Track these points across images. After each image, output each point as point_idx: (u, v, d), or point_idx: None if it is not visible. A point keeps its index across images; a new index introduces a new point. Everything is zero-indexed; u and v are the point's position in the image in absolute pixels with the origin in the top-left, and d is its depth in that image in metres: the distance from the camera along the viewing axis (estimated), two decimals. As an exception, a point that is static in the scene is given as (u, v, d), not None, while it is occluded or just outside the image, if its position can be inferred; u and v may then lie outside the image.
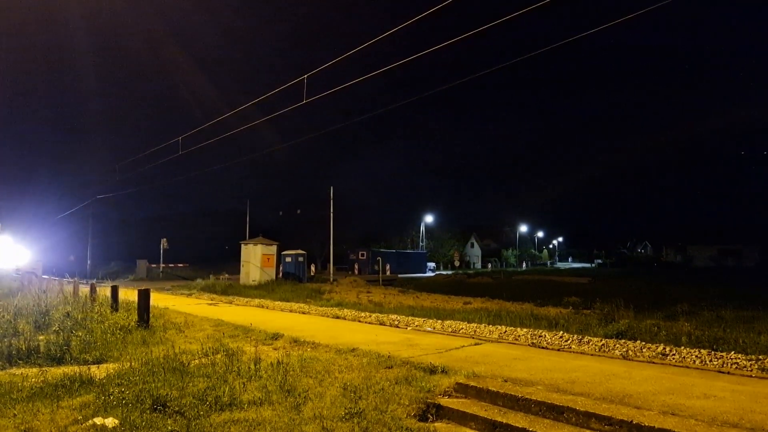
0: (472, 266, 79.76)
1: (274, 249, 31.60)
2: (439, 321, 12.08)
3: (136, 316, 9.93)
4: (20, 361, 7.18)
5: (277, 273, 32.14)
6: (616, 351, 8.87)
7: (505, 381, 5.32)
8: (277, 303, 17.60)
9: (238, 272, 31.36)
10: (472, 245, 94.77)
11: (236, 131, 19.77)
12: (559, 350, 7.25)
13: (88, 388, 5.67)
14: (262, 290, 24.72)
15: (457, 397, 5.22)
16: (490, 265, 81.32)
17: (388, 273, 44.75)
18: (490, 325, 11.26)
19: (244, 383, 5.62)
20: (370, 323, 10.62)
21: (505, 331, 10.55)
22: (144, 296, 10.01)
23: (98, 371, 6.40)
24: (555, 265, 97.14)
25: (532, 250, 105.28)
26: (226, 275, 33.87)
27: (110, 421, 4.56)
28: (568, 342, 9.42)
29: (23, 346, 7.55)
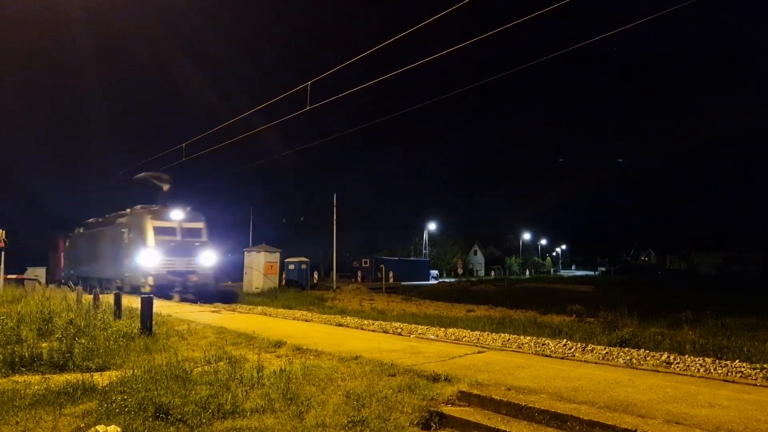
0: (475, 274, 79.59)
1: (277, 256, 31.66)
2: (442, 329, 12.04)
3: (139, 324, 9.93)
4: (23, 368, 7.19)
5: (280, 280, 32.17)
6: (620, 359, 8.83)
7: (509, 389, 5.30)
8: (279, 310, 17.58)
9: (241, 279, 31.40)
10: (476, 253, 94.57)
11: (239, 138, 19.82)
12: (562, 358, 7.23)
13: (90, 396, 5.67)
14: (265, 297, 24.73)
15: (460, 405, 5.20)
16: (493, 273, 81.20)
17: (391, 280, 44.73)
18: (494, 333, 11.22)
19: (246, 391, 5.61)
20: (373, 331, 10.60)
21: (509, 339, 10.51)
22: (147, 303, 10.02)
23: (101, 378, 6.39)
24: (558, 273, 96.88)
25: (536, 258, 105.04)
26: (230, 282, 33.89)
27: (113, 429, 4.55)
28: (572, 350, 9.38)
29: (26, 353, 7.55)
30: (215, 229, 25.99)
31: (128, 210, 25.45)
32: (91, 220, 30.32)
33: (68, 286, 19.42)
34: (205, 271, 22.40)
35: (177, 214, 22.47)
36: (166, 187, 24.69)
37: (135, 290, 21.27)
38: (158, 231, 21.70)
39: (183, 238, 22.17)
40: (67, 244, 33.62)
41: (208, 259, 22.55)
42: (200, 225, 23.11)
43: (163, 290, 20.85)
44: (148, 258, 21.10)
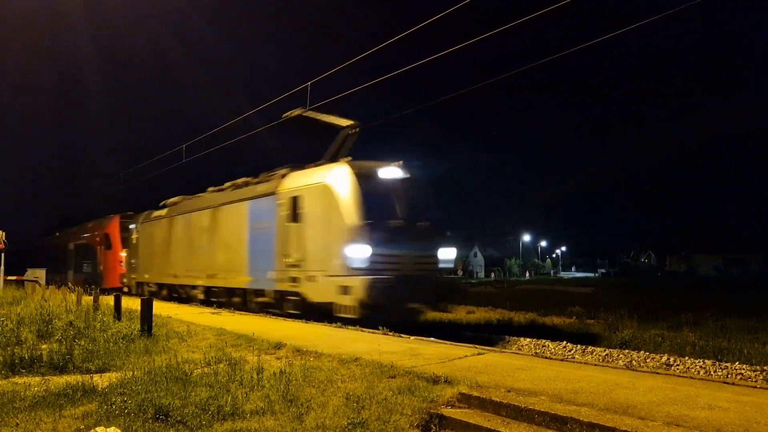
0: (475, 275, 79.62)
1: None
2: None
3: (139, 325, 9.93)
4: (23, 370, 7.19)
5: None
6: (620, 361, 8.84)
7: (509, 391, 5.30)
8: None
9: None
10: (475, 254, 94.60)
11: (240, 138, 19.75)
12: (562, 360, 7.23)
13: (90, 398, 5.67)
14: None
15: (460, 407, 5.20)
16: (493, 275, 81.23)
17: (390, 282, 44.51)
18: (494, 335, 11.21)
19: (246, 393, 5.61)
20: (372, 333, 10.58)
21: (509, 340, 10.51)
22: (146, 305, 10.01)
23: (101, 380, 6.39)
24: (558, 275, 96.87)
25: (536, 260, 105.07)
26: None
27: (112, 430, 4.56)
28: (572, 352, 9.38)
29: (26, 355, 7.55)
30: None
31: (265, 174, 15.75)
32: (174, 199, 21.39)
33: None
34: (450, 278, 13.60)
35: (392, 173, 12.58)
36: (353, 127, 14.09)
37: (316, 311, 12.25)
38: (367, 200, 11.76)
39: (409, 216, 12.32)
40: (133, 237, 23.82)
41: (450, 253, 12.81)
42: (430, 192, 13.49)
43: (385, 309, 11.28)
44: (355, 251, 11.43)
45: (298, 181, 13.47)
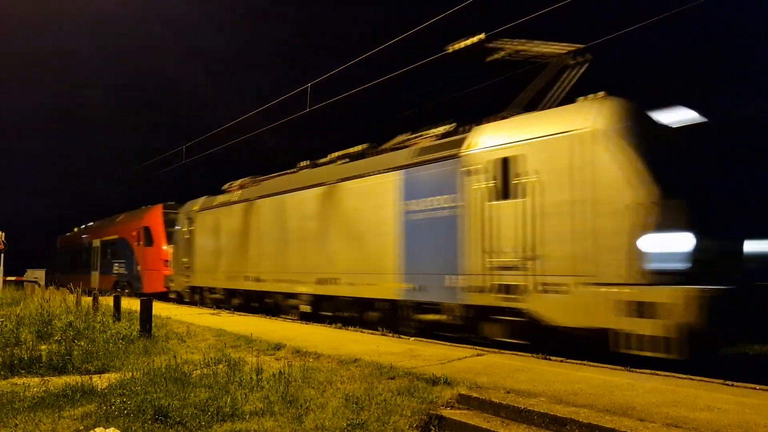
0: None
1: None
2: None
3: (139, 326, 9.93)
4: (22, 371, 7.19)
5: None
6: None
7: (508, 392, 5.30)
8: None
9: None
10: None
11: (240, 139, 19.70)
12: (562, 361, 7.22)
13: (90, 398, 5.68)
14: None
15: (459, 408, 5.20)
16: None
17: (390, 282, 44.39)
18: (493, 336, 11.14)
19: (245, 394, 5.61)
20: (372, 334, 10.57)
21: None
22: (146, 306, 10.01)
23: (100, 381, 6.40)
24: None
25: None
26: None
27: (111, 431, 4.56)
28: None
29: (25, 356, 7.56)
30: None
31: (406, 135, 11.82)
32: (241, 180, 16.81)
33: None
34: None
35: (685, 115, 8.22)
36: (579, 53, 9.68)
37: (566, 342, 7.94)
38: (665, 160, 7.45)
39: (727, 186, 7.93)
40: (184, 230, 18.61)
41: None
42: (738, 148, 8.73)
43: (719, 342, 7.20)
44: (662, 242, 6.92)
45: (509, 133, 8.92)
